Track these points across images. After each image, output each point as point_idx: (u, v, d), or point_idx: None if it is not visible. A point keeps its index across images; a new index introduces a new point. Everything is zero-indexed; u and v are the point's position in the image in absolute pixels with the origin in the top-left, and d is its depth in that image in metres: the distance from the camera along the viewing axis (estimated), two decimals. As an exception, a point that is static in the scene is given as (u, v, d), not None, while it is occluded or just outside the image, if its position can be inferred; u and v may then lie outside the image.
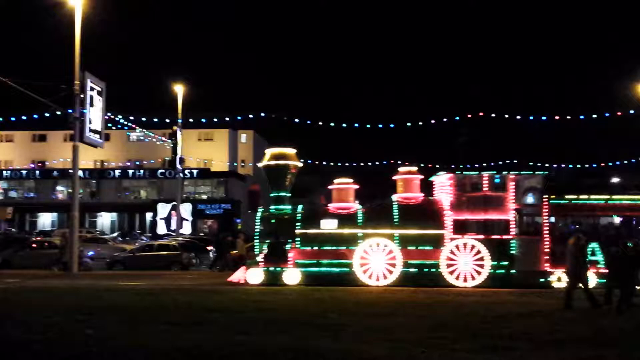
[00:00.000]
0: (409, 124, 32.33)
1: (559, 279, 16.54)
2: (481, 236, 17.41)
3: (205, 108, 47.53)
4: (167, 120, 35.05)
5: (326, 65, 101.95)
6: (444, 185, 18.25)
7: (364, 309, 11.95)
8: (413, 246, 17.69)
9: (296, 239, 18.10)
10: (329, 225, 18.32)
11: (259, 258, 18.14)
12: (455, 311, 11.86)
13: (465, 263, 17.25)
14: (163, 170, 48.58)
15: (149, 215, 47.48)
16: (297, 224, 18.29)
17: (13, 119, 34.17)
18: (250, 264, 18.48)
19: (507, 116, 30.86)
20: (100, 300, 13.28)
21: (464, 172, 19.29)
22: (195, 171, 49.16)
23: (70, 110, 23.34)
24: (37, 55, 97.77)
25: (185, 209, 43.01)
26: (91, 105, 23.75)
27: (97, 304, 12.64)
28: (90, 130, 23.90)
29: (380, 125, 33.17)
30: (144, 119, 34.34)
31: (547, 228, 17.26)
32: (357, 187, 19.31)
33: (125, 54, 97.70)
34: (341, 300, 13.50)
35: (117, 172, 50.05)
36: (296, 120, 32.60)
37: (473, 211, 17.53)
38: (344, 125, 32.67)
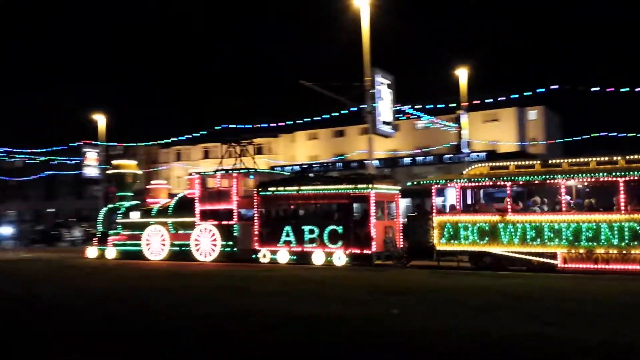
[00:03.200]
0: None
1: (264, 255, 20.38)
2: (215, 222, 21.61)
3: (490, 88, 46.46)
4: (452, 105, 35.32)
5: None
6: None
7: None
8: (181, 231, 22.67)
9: (118, 227, 24.62)
10: (133, 217, 24.10)
11: (94, 240, 25.36)
12: None
13: (205, 243, 21.82)
14: (450, 155, 49.12)
15: (439, 200, 48.49)
16: (119, 215, 24.60)
17: (317, 118, 38.77)
18: (90, 245, 25.94)
19: None
20: (403, 283, 14.03)
21: (206, 171, 23.23)
22: (482, 154, 48.43)
23: (363, 105, 25.44)
24: (331, 57, 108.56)
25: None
26: (381, 98, 25.41)
27: (401, 285, 13.43)
28: (382, 122, 25.59)
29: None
30: (429, 106, 35.30)
31: (257, 215, 20.70)
32: (169, 187, 26.16)
33: (410, 44, 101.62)
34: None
35: (407, 160, 52.51)
36: (594, 88, 29.37)
37: (212, 203, 21.79)
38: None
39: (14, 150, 49.57)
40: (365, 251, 18.56)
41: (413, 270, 17.39)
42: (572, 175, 15.73)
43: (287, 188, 20.22)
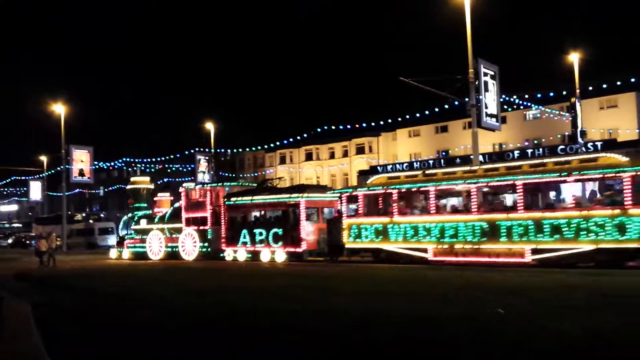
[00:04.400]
0: None
1: (228, 254, 24.11)
2: (196, 227, 25.58)
3: (608, 72, 43.20)
4: (564, 93, 33.20)
5: None
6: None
7: None
8: (174, 235, 26.67)
9: (132, 232, 29.05)
10: (142, 224, 28.30)
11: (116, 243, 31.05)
12: None
13: (188, 245, 25.75)
14: (563, 146, 46.25)
15: (551, 194, 45.84)
16: (133, 223, 29.02)
17: (418, 115, 38.07)
18: (112, 247, 31.82)
19: None
20: (486, 281, 13.36)
21: (189, 186, 26.80)
22: (599, 143, 45.11)
23: (466, 99, 24.55)
24: (431, 50, 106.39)
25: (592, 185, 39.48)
26: (486, 90, 24.40)
27: (488, 284, 12.76)
28: (487, 115, 24.56)
29: None
30: (539, 96, 33.44)
31: (224, 221, 24.47)
32: (171, 198, 30.61)
33: (515, 31, 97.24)
34: None
35: (516, 153, 50.19)
36: None
37: (193, 211, 25.70)
38: None
39: (134, 160, 53.36)
40: (297, 249, 21.95)
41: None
42: (439, 184, 18.51)
43: (244, 198, 24.07)
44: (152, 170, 55.99)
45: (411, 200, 19.78)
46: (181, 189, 26.73)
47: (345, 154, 67.44)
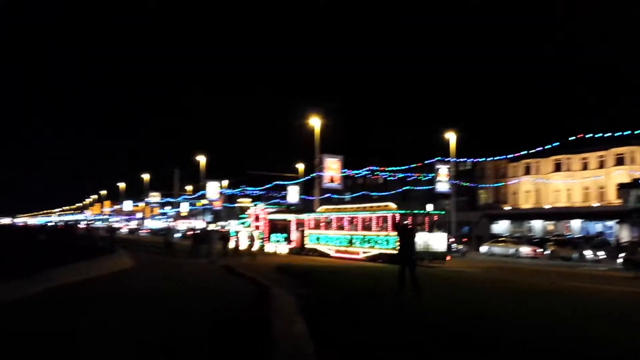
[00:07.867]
0: None
1: (267, 248, 37.34)
2: (257, 230, 38.22)
3: None
4: None
5: None
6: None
7: None
8: (250, 234, 37.15)
9: (234, 232, 39.81)
10: (237, 227, 42.18)
11: None
12: None
13: (255, 240, 36.97)
14: None
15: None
16: (238, 225, 43.08)
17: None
18: None
19: None
20: None
21: (253, 206, 45.22)
22: None
23: None
24: None
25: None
26: None
27: None
28: None
29: None
30: None
31: (267, 228, 38.27)
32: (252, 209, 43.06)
33: None
34: None
35: None
36: None
37: (256, 221, 39.30)
38: None
39: (377, 168, 56.16)
40: (290, 246, 35.93)
41: None
42: (336, 214, 32.24)
43: (273, 215, 38.47)
44: (392, 178, 58.06)
45: (331, 221, 32.59)
46: (251, 209, 41.47)
47: (601, 165, 60.96)
